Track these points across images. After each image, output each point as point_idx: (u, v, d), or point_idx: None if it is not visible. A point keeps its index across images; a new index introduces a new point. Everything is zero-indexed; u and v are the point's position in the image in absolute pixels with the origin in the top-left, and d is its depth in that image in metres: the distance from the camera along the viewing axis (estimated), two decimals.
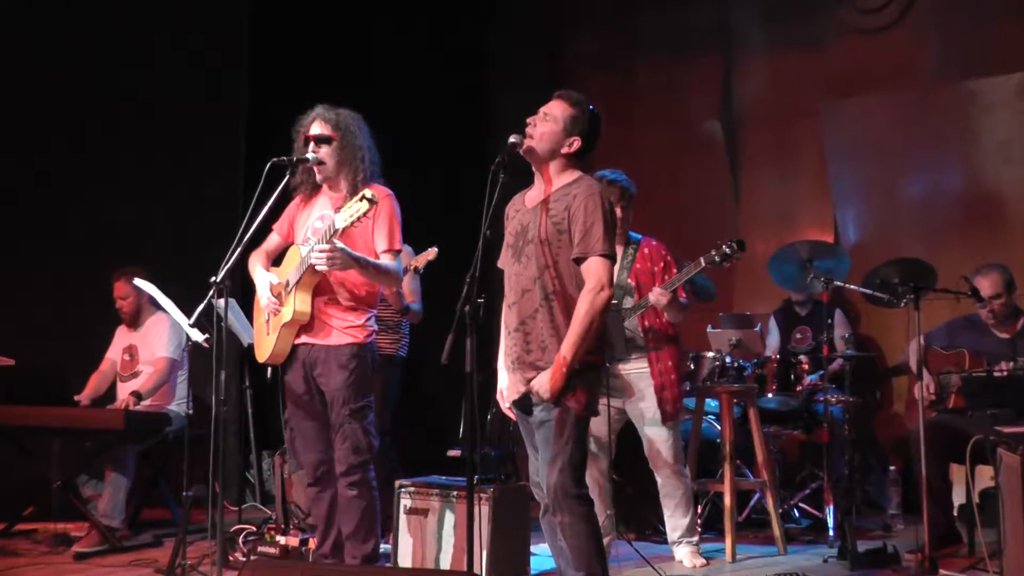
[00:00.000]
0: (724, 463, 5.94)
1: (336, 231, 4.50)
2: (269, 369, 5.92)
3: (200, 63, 7.95)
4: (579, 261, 4.04)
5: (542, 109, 4.17)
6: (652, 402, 5.58)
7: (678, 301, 5.48)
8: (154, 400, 6.69)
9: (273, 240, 5.09)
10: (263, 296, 4.92)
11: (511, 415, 4.28)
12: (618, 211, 5.21)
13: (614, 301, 5.33)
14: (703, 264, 5.40)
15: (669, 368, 5.60)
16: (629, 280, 5.57)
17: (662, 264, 5.61)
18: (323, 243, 4.56)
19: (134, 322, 6.94)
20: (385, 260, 4.79)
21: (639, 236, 5.66)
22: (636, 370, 5.62)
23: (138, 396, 6.53)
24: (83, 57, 7.55)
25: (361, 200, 4.36)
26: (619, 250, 5.45)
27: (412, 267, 5.98)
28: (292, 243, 5.03)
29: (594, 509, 4.10)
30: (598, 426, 5.39)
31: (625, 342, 5.55)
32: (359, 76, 7.94)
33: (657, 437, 5.61)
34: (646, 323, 5.60)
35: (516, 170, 4.08)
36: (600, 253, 4.02)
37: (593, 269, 4.02)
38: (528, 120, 4.16)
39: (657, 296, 5.39)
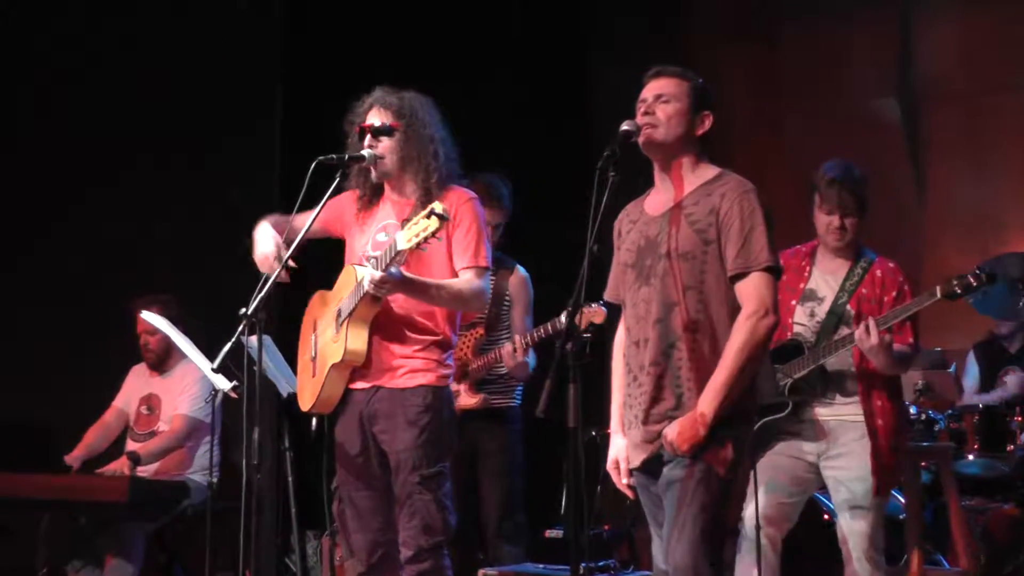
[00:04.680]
0: (910, 546, 5.86)
1: (398, 253, 4.46)
2: (314, 420, 5.96)
3: (225, 32, 8.00)
4: (736, 279, 4.05)
5: (649, 93, 4.20)
6: (861, 467, 5.24)
7: (890, 347, 5.16)
8: (168, 466, 6.76)
9: (304, 219, 4.85)
10: (261, 250, 4.82)
11: (628, 491, 4.26)
12: (835, 219, 5.22)
13: (799, 328, 5.28)
14: (938, 296, 5.18)
15: (891, 425, 5.30)
16: (849, 307, 5.34)
17: (895, 293, 5.35)
18: (380, 267, 4.53)
19: (160, 364, 6.95)
20: (465, 278, 4.76)
21: (874, 255, 5.45)
22: (843, 418, 5.31)
23: (135, 459, 6.51)
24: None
25: (430, 216, 4.31)
26: (842, 266, 5.35)
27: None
28: (333, 234, 5.03)
29: None
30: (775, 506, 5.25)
31: (775, 383, 5.39)
32: (424, 53, 7.88)
33: (860, 521, 5.26)
34: (864, 361, 5.31)
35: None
36: (764, 266, 4.03)
37: (754, 288, 4.02)
38: (640, 109, 4.17)
39: (862, 335, 5.08)
